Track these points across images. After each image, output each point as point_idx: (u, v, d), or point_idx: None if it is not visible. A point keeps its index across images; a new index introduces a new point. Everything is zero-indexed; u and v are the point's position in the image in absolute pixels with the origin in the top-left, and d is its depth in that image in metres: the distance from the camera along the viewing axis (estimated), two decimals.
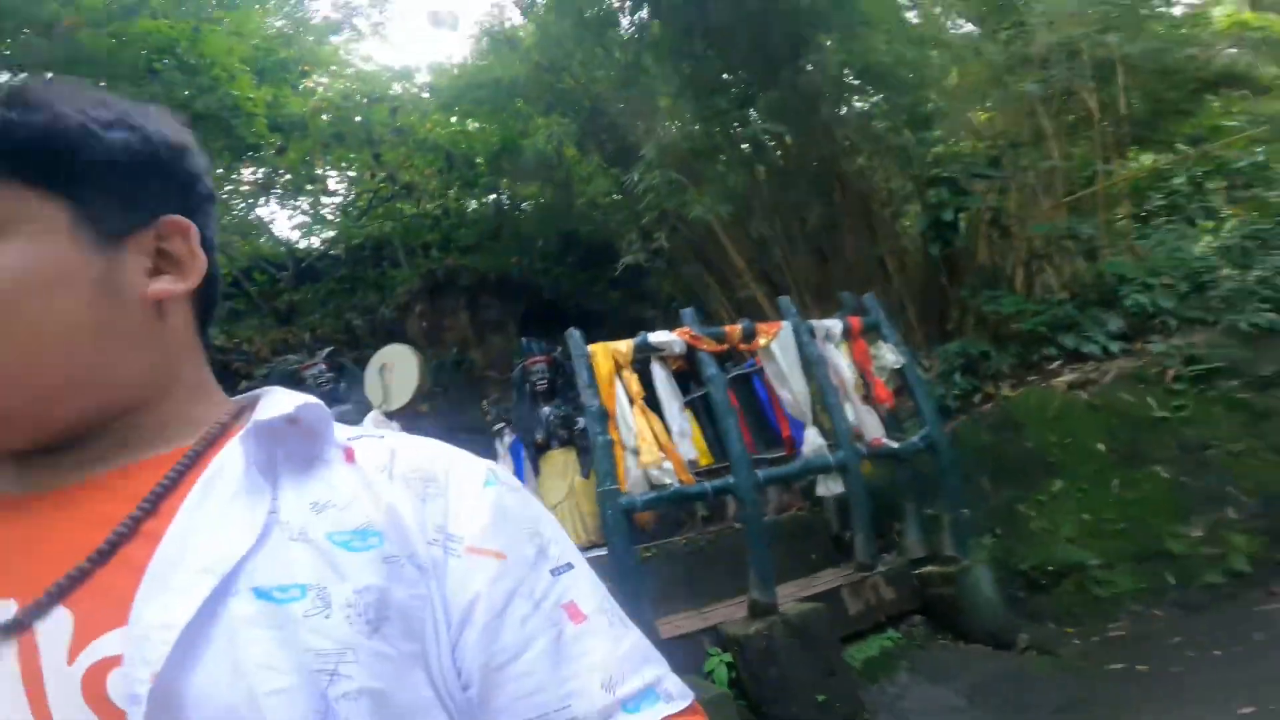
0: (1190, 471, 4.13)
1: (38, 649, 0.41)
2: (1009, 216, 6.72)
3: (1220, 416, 4.30)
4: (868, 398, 4.14)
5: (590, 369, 3.63)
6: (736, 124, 7.23)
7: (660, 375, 3.81)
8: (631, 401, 3.61)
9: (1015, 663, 3.68)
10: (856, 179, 7.30)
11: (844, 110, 7.40)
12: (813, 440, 3.67)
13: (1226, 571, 3.80)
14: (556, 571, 0.51)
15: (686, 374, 4.26)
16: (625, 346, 3.77)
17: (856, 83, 7.30)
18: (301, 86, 8.95)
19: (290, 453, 0.49)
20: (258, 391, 0.57)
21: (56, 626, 0.41)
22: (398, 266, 9.15)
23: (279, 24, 9.10)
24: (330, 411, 0.53)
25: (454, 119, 9.35)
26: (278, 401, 0.51)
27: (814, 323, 4.19)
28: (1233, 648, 3.37)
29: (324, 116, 8.31)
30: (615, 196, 8.28)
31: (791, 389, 3.82)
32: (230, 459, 0.48)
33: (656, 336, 3.84)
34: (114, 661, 0.40)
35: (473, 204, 10.07)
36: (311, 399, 0.51)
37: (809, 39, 6.58)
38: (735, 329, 3.99)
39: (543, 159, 8.13)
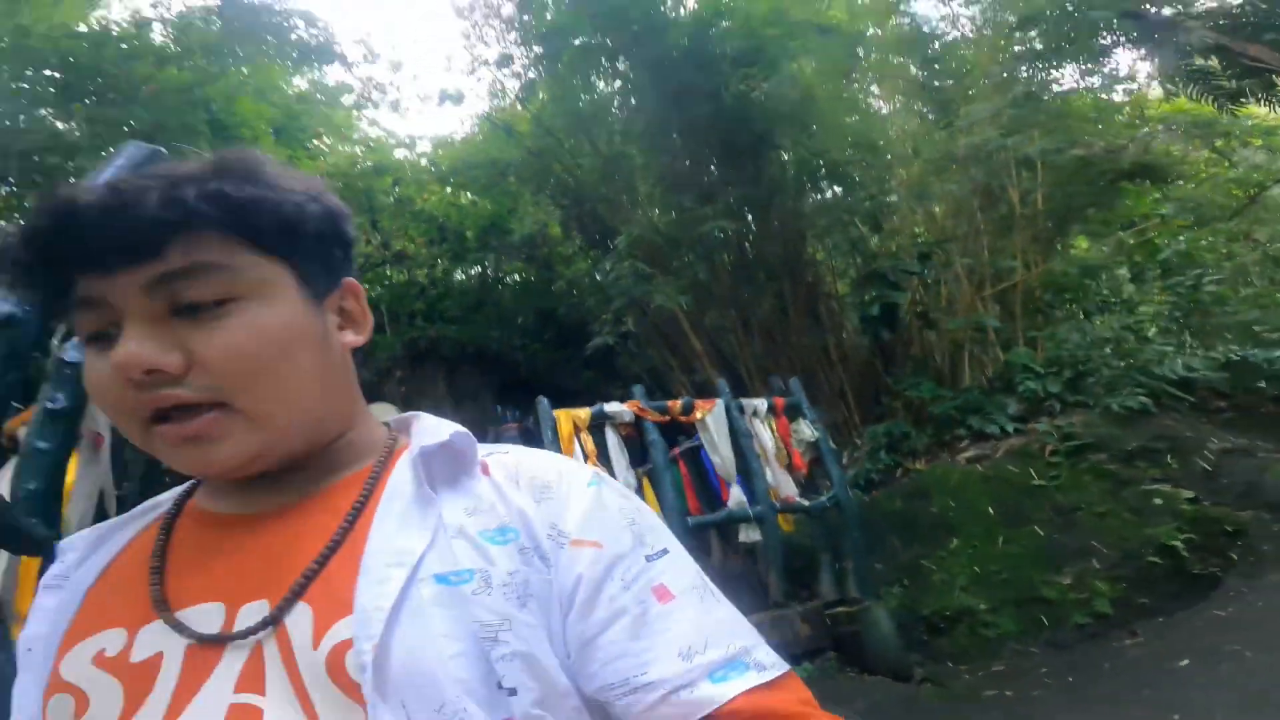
0: (1062, 530, 4.85)
1: (290, 638, 0.50)
2: (936, 310, 7.68)
3: (1089, 484, 5.06)
4: (788, 465, 4.89)
5: (554, 430, 4.37)
6: (703, 218, 8.09)
7: (611, 439, 4.56)
8: (586, 458, 4.34)
9: (910, 692, 4.27)
10: (808, 270, 8.25)
11: (799, 204, 8.30)
12: (736, 495, 4.40)
13: (1091, 614, 4.47)
14: (651, 557, 0.57)
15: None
16: (584, 413, 4.53)
17: (811, 180, 8.25)
18: (313, 146, 9.69)
19: (445, 469, 0.59)
20: (407, 416, 0.67)
21: (301, 619, 0.50)
22: (381, 332, 9.49)
23: (299, 84, 9.87)
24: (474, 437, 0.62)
25: (449, 189, 10.06)
26: (433, 429, 0.61)
27: (744, 400, 4.99)
28: (1085, 676, 4.02)
29: (331, 181, 9.13)
30: (594, 278, 9.01)
31: (720, 454, 4.58)
32: (402, 476, 0.58)
33: (610, 406, 4.61)
34: (347, 644, 0.48)
35: (459, 275, 10.48)
36: (460, 428, 0.61)
37: (771, 138, 7.54)
38: (676, 404, 4.79)
39: (528, 237, 8.96)
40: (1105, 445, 5.26)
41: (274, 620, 0.50)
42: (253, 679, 0.49)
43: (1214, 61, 7.49)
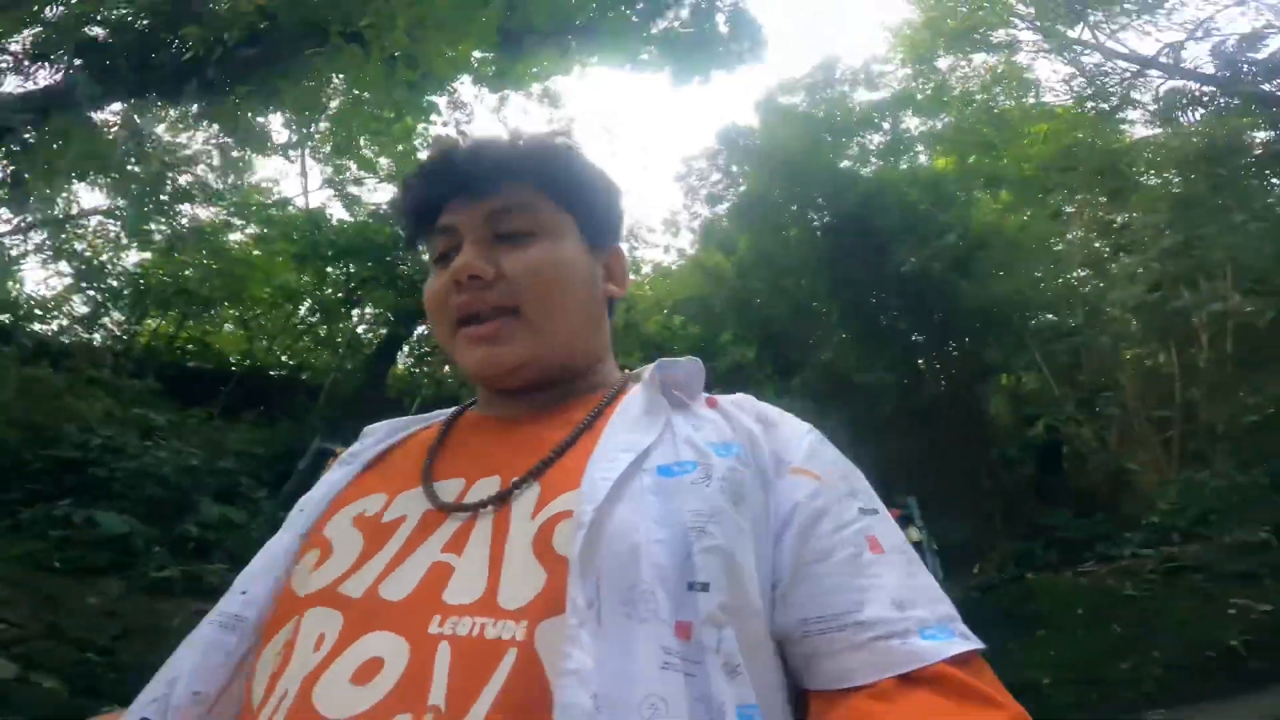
0: (1137, 628, 5.48)
1: (510, 512, 0.57)
2: (1092, 448, 8.27)
3: (1177, 596, 5.60)
4: None
5: None
6: (868, 366, 9.55)
7: None
8: None
9: None
10: (977, 403, 9.29)
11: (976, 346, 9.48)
12: None
13: (1139, 693, 5.08)
14: (864, 511, 0.60)
15: None
16: None
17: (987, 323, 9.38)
18: None
19: (676, 389, 0.68)
20: (642, 368, 0.75)
21: (528, 495, 0.58)
22: None
23: None
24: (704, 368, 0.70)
25: (664, 313, 12.33)
26: (666, 362, 0.70)
27: None
28: None
29: None
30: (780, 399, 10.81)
31: None
32: (635, 396, 0.67)
33: None
34: (564, 515, 0.54)
35: None
36: (691, 356, 0.70)
37: (942, 287, 8.81)
38: None
39: (729, 363, 11.09)
40: (1207, 568, 5.72)
41: (501, 495, 0.58)
42: (458, 541, 0.56)
43: None
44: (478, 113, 11.52)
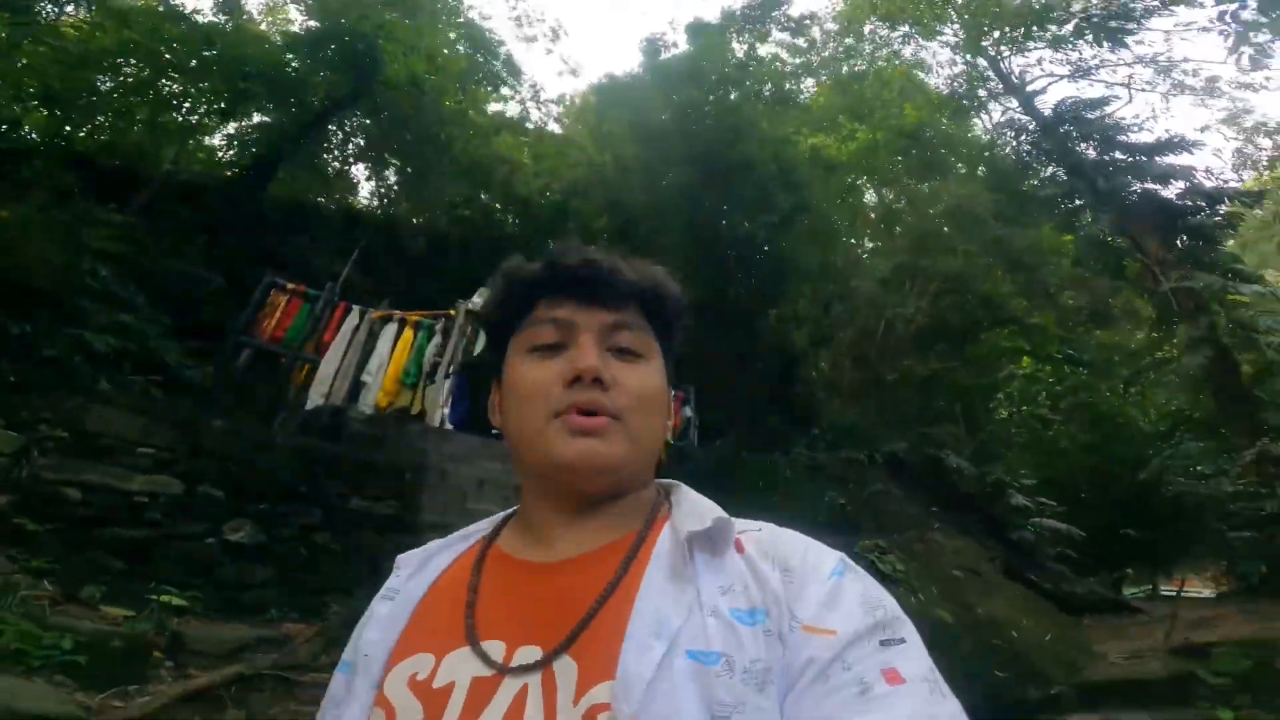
0: None
1: (555, 683, 0.60)
2: (817, 377, 12.30)
3: None
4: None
5: None
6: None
7: None
8: None
9: None
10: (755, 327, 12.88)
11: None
12: None
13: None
14: (886, 643, 0.60)
15: None
16: None
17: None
18: None
19: (704, 544, 0.68)
20: (668, 483, 0.80)
21: (565, 671, 0.60)
22: None
23: None
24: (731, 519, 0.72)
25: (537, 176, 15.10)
26: (696, 510, 0.72)
27: None
28: None
29: None
30: None
31: None
32: (665, 546, 0.69)
33: None
34: (602, 708, 0.57)
35: None
36: (721, 513, 0.71)
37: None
38: None
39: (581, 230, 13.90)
40: (841, 465, 9.78)
41: (541, 665, 0.61)
42: (516, 713, 0.59)
43: None
44: None
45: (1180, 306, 10.57)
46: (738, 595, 0.64)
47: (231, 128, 11.92)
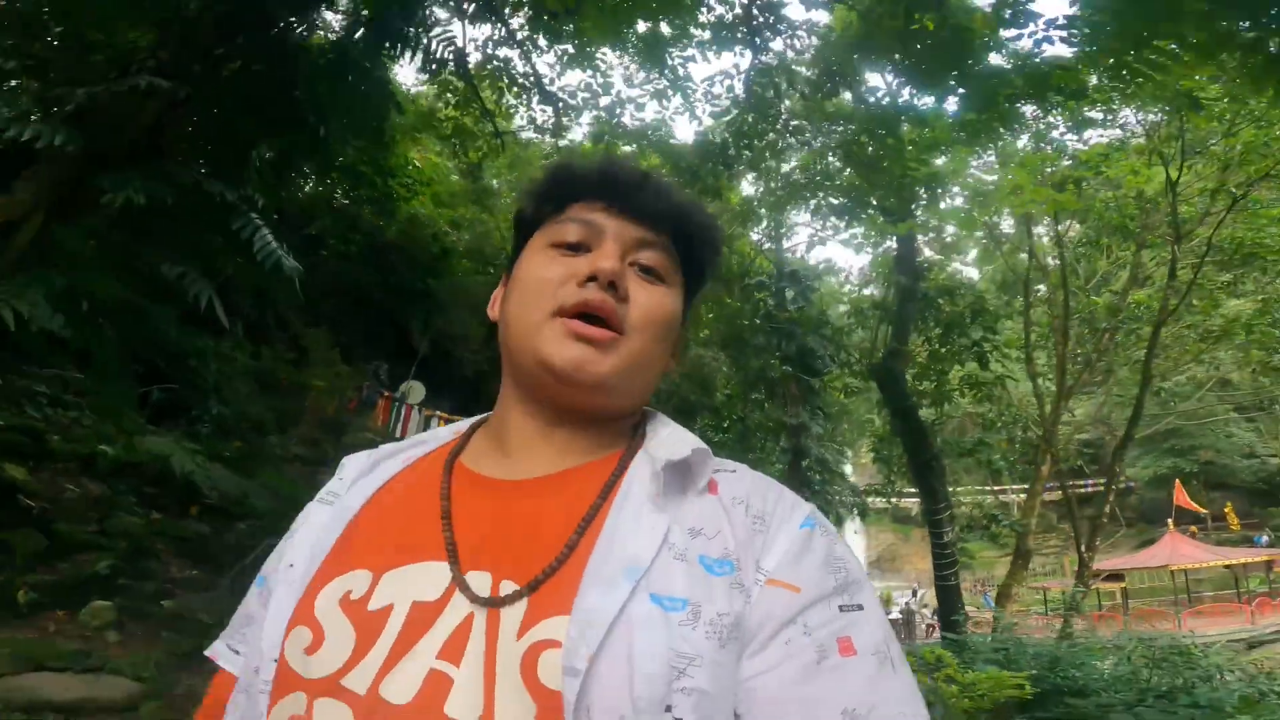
0: None
1: (500, 620, 0.54)
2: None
3: None
4: None
5: None
6: None
7: None
8: None
9: None
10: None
11: None
12: None
13: None
14: (845, 608, 0.57)
15: None
16: None
17: None
18: None
19: (677, 480, 0.63)
20: (647, 411, 0.74)
21: (516, 605, 0.54)
22: None
23: None
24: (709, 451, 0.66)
25: None
26: (676, 440, 0.66)
27: None
28: None
29: None
30: None
31: None
32: (638, 478, 0.63)
33: None
34: (549, 644, 0.51)
35: None
36: (702, 444, 0.65)
37: None
38: None
39: None
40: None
41: (493, 602, 0.55)
42: (454, 648, 0.53)
43: None
44: None
45: None
46: (709, 541, 0.59)
47: None
